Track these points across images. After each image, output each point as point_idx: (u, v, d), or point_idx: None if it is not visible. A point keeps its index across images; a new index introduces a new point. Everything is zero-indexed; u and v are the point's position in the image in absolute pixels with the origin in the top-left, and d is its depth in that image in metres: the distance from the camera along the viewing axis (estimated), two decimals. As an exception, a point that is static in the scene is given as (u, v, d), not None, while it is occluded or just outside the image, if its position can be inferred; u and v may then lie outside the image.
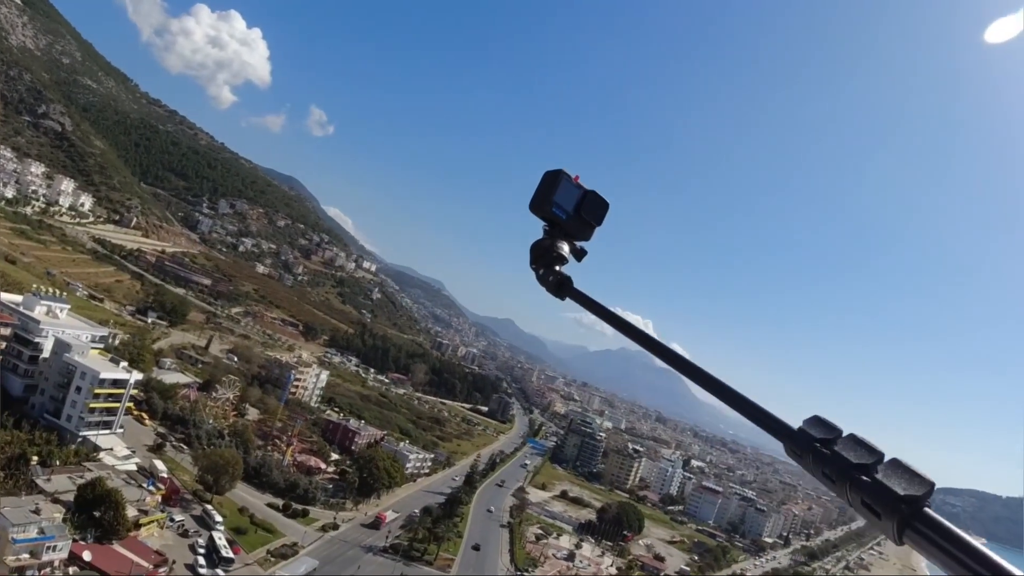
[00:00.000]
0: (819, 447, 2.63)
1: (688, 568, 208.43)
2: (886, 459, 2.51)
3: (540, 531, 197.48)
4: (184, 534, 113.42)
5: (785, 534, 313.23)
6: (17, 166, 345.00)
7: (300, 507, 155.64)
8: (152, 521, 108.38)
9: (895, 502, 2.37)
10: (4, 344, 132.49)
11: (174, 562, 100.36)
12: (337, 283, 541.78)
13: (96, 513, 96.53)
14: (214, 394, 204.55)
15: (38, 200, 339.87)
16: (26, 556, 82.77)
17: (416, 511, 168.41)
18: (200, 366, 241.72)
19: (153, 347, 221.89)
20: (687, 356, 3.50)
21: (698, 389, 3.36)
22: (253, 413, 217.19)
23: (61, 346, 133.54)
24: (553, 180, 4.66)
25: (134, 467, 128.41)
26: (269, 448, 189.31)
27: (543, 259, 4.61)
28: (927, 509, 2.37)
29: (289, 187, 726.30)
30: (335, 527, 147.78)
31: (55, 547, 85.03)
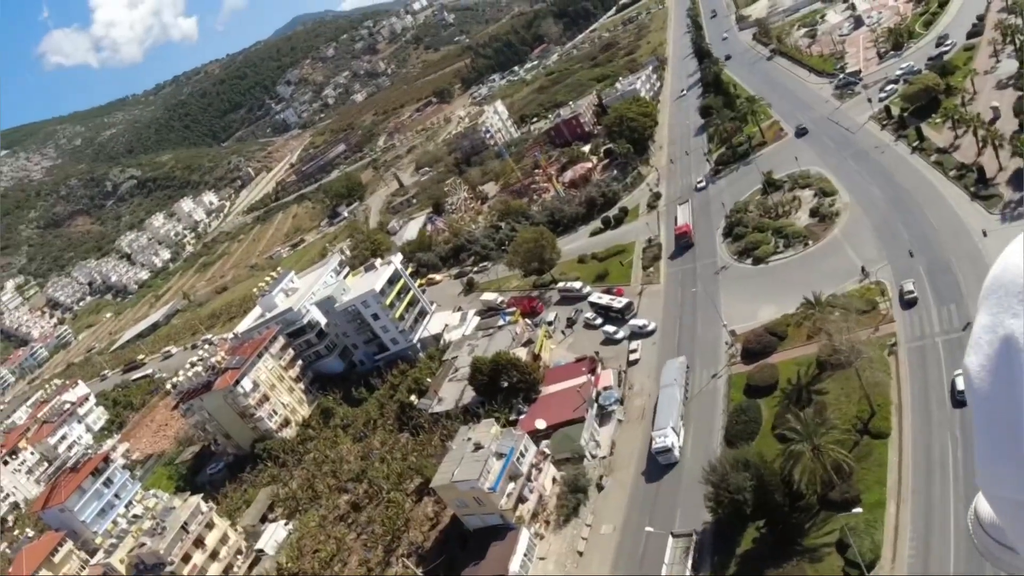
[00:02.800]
0: None
1: None
2: None
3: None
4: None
5: None
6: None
7: (617, 213, 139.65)
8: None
9: None
10: (294, 352, 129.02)
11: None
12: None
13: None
14: (450, 204, 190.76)
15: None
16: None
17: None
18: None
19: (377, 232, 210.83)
20: None
21: None
22: (488, 188, 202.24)
23: (326, 303, 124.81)
24: None
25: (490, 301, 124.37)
26: (537, 197, 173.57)
27: None
28: None
29: None
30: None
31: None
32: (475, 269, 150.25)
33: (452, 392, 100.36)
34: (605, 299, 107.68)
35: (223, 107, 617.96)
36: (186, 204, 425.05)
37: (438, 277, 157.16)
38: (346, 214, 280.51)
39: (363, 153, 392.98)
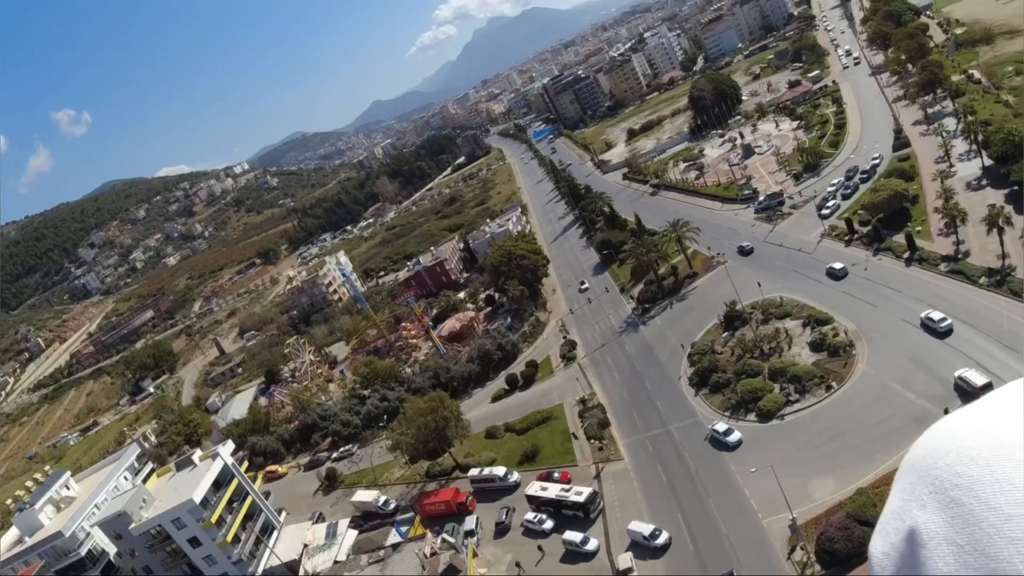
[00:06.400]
0: None
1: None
2: None
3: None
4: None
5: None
6: None
7: (524, 370, 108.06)
8: None
9: None
10: None
11: None
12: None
13: None
14: (298, 367, 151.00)
15: None
16: None
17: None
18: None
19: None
20: None
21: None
22: (336, 349, 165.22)
23: (117, 522, 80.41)
24: None
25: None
26: (405, 357, 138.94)
27: None
28: None
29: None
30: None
31: None
32: (335, 455, 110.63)
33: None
34: (553, 490, 73.05)
35: (15, 271, 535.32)
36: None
37: (282, 468, 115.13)
38: (152, 389, 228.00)
39: (175, 320, 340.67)
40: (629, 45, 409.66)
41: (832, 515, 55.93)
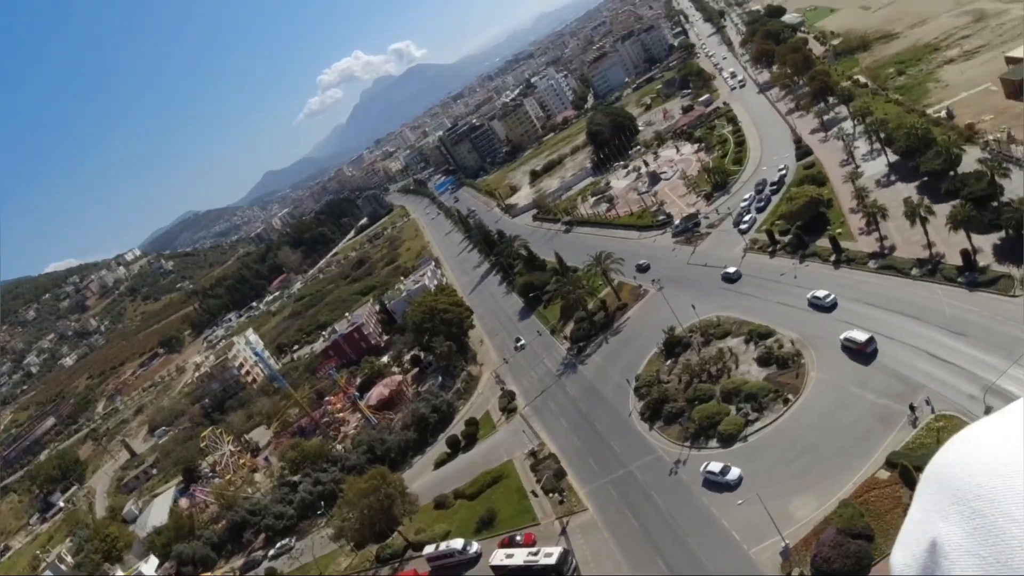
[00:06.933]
0: None
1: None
2: None
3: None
4: None
5: None
6: None
7: (465, 429, 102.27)
8: None
9: None
10: None
11: None
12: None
13: None
14: (218, 461, 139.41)
15: None
16: None
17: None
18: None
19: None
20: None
21: None
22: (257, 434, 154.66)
23: None
24: None
25: None
26: (334, 434, 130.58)
27: None
28: None
29: None
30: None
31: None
32: (272, 552, 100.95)
33: None
34: (520, 555, 67.21)
35: None
36: None
37: (216, 575, 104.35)
38: (62, 503, 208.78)
39: (79, 424, 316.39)
40: (519, 91, 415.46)
41: (821, 533, 52.83)
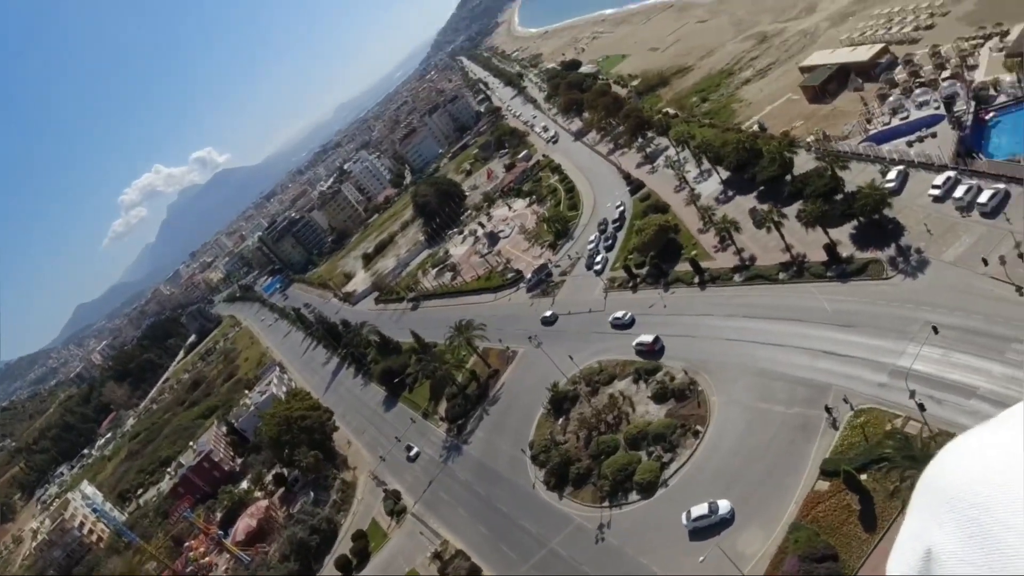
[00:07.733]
0: None
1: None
2: None
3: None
4: None
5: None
6: None
7: (353, 546, 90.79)
8: None
9: None
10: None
11: None
12: None
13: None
14: None
15: None
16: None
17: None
18: None
19: None
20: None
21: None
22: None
23: None
24: None
25: None
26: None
27: None
28: None
29: None
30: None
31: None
32: None
33: None
34: None
35: None
36: None
37: None
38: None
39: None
40: (333, 179, 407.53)
41: (779, 566, 48.29)
